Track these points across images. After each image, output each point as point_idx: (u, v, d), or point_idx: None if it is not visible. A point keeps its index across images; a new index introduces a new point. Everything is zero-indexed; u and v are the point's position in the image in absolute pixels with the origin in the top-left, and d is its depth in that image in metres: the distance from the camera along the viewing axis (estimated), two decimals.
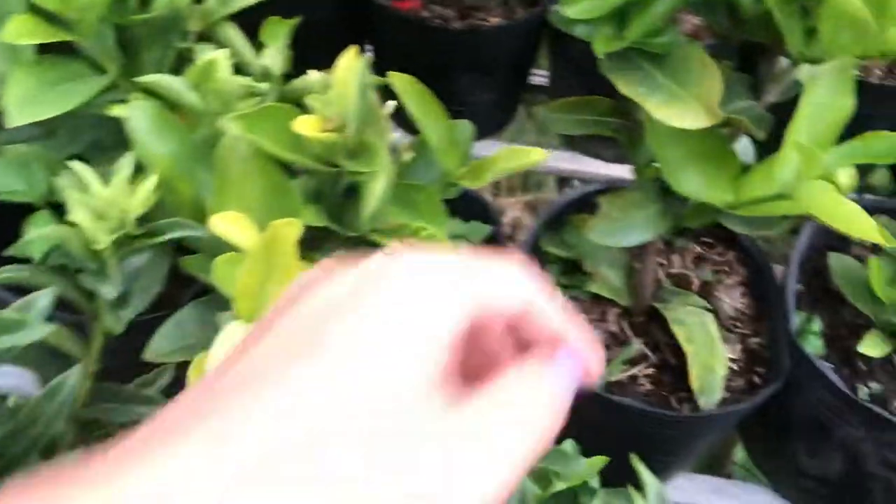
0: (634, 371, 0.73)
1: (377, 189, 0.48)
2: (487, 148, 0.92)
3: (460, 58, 0.99)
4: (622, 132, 0.66)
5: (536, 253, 0.78)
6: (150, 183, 0.48)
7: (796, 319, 0.76)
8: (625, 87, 0.53)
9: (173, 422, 0.19)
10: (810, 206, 0.53)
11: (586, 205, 0.82)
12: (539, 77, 1.19)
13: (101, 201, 0.47)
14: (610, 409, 0.68)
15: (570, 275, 0.77)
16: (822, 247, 0.83)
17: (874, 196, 1.01)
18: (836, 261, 0.78)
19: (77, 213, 0.47)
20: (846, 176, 0.55)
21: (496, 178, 0.58)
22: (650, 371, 0.73)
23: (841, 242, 0.83)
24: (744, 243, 0.82)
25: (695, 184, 0.59)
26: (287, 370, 0.20)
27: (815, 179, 0.51)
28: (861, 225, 0.48)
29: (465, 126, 0.59)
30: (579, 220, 0.77)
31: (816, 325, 0.77)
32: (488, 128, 1.10)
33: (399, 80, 0.56)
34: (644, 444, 0.75)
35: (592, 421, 0.73)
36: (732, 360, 0.74)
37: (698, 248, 0.82)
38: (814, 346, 0.75)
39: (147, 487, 0.17)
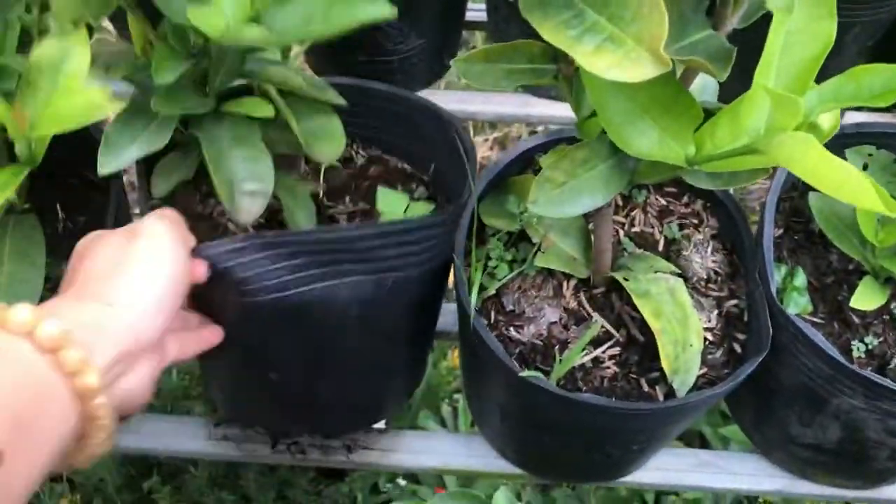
0: (598, 353, 0.63)
1: None
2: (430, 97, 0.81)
3: None
4: (561, 80, 0.55)
5: (478, 224, 0.68)
6: None
7: (777, 275, 0.66)
8: (549, 32, 0.42)
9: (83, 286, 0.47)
10: (788, 163, 0.43)
11: (531, 163, 0.71)
12: (476, 12, 1.06)
13: None
14: (570, 407, 0.59)
15: (516, 246, 0.67)
16: (802, 184, 0.73)
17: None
18: (818, 201, 0.69)
19: None
20: (829, 119, 0.45)
21: None
22: (616, 351, 0.64)
23: None
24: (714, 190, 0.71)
25: (646, 140, 0.49)
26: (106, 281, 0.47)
27: (791, 130, 0.41)
28: (854, 188, 0.38)
29: None
30: (522, 184, 0.67)
31: (800, 278, 0.67)
32: (424, 77, 0.98)
33: None
34: (615, 439, 0.66)
35: (555, 420, 0.65)
36: (708, 328, 0.65)
37: (662, 200, 0.71)
38: (798, 304, 0.65)
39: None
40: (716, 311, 0.66)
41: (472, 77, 0.53)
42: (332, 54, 0.94)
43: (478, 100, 0.97)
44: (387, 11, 0.46)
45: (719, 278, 0.68)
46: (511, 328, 0.64)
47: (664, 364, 0.59)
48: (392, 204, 0.66)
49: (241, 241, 0.55)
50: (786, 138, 0.41)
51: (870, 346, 0.65)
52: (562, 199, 0.54)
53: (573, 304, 0.66)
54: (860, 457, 0.68)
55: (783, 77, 0.43)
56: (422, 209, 0.67)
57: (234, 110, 0.55)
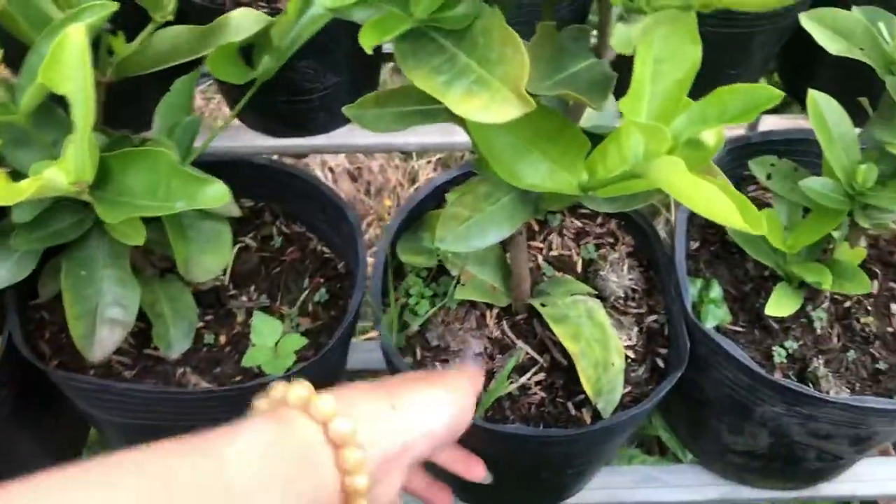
0: (524, 380, 0.64)
1: None
2: (346, 136, 0.82)
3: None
4: (455, 117, 0.56)
5: (395, 264, 0.68)
6: None
7: (692, 289, 0.67)
8: (421, 79, 0.43)
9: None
10: (664, 185, 0.43)
11: (444, 197, 0.72)
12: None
13: None
14: (497, 438, 0.59)
15: (437, 281, 0.68)
16: None
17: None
18: None
19: None
20: (713, 136, 0.46)
21: None
22: (541, 377, 0.64)
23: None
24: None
25: (538, 172, 0.50)
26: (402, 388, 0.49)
27: (665, 154, 0.42)
28: (719, 209, 0.38)
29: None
30: (433, 218, 0.67)
31: (716, 290, 0.68)
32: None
33: None
34: (548, 465, 0.66)
35: (487, 452, 0.65)
36: (629, 346, 0.65)
37: (577, 222, 0.72)
38: (716, 315, 0.66)
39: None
40: (636, 329, 0.66)
41: (365, 123, 0.54)
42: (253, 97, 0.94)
43: (402, 132, 0.98)
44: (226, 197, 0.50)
45: (637, 295, 0.68)
46: (437, 363, 0.64)
47: (586, 387, 0.60)
48: (265, 335, 0.64)
49: None
50: (658, 163, 0.42)
51: (790, 351, 0.67)
52: (468, 234, 0.54)
53: (497, 334, 0.66)
54: (791, 460, 0.69)
55: (655, 103, 0.44)
56: (294, 344, 0.64)
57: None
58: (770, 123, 0.92)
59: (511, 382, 0.63)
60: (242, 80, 0.60)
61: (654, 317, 0.67)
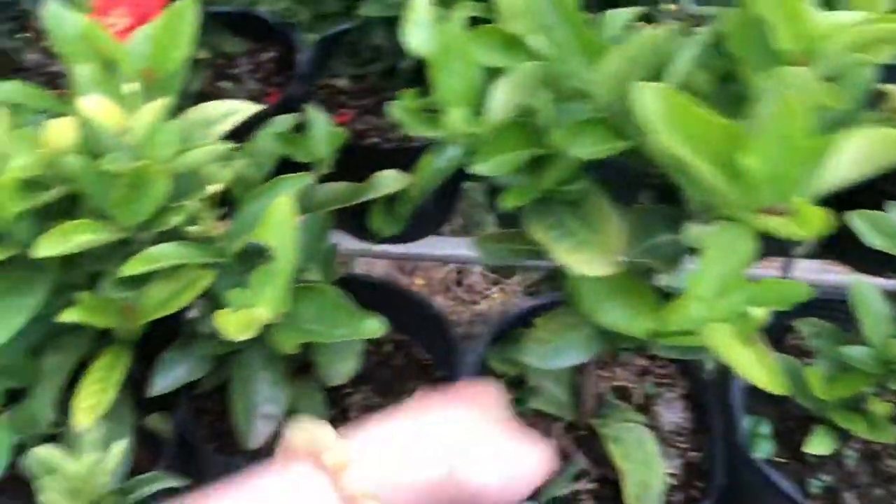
0: (577, 486, 0.75)
1: None
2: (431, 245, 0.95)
3: None
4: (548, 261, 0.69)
5: (484, 368, 0.81)
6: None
7: (745, 423, 0.77)
8: (538, 231, 0.56)
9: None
10: (714, 347, 0.55)
11: (534, 318, 0.84)
12: None
13: (73, 480, 0.53)
14: None
15: (517, 388, 0.80)
16: None
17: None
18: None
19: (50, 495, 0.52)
20: (760, 312, 0.58)
21: None
22: (592, 486, 0.75)
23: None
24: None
25: (615, 316, 0.62)
26: None
27: (718, 322, 0.54)
28: (754, 373, 0.50)
29: None
30: (520, 335, 0.80)
31: (765, 426, 0.79)
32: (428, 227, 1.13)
33: None
34: None
35: None
36: (672, 474, 0.76)
37: (642, 361, 0.84)
38: (763, 449, 0.77)
39: None
40: (679, 460, 0.77)
41: (485, 253, 0.68)
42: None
43: None
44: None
45: (686, 432, 0.79)
46: None
47: (627, 502, 0.70)
48: None
49: None
50: (711, 328, 0.54)
51: (826, 483, 0.76)
52: (550, 355, 0.66)
53: (560, 443, 0.77)
54: None
55: (715, 280, 0.56)
56: None
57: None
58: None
59: (564, 487, 0.74)
60: (390, 233, 0.74)
61: (697, 453, 0.78)
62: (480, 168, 0.53)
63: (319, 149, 0.73)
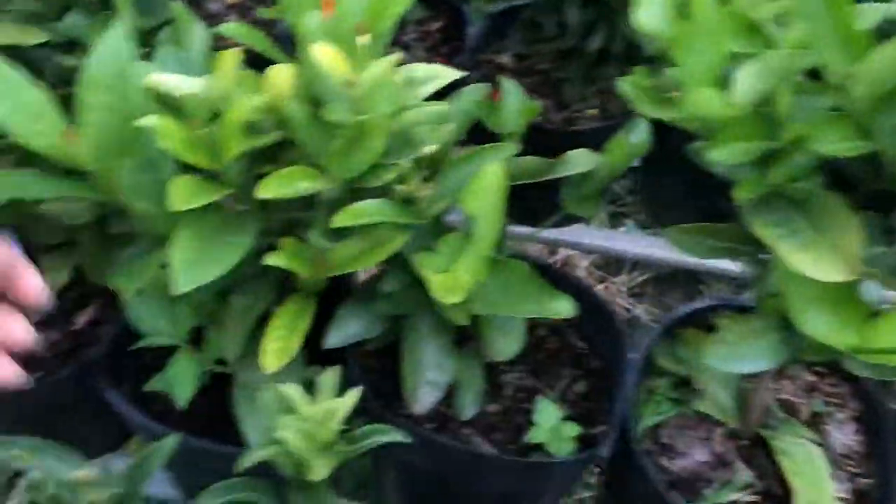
0: (738, 496, 0.72)
1: None
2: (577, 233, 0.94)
3: None
4: (749, 262, 0.67)
5: (650, 365, 0.78)
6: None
7: None
8: (760, 228, 0.54)
9: None
10: None
11: (702, 319, 0.82)
12: None
13: (309, 422, 0.55)
14: None
15: (680, 389, 0.78)
16: None
17: None
18: None
19: (287, 433, 0.54)
20: None
21: None
22: (753, 499, 0.72)
23: None
24: (860, 377, 0.80)
25: (820, 325, 0.59)
26: None
27: None
28: None
29: None
30: (691, 336, 0.78)
31: None
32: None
33: None
34: None
35: None
36: (841, 498, 0.72)
37: (810, 377, 0.81)
38: None
39: None
40: (849, 484, 0.73)
41: (682, 245, 0.65)
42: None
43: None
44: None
45: (857, 456, 0.75)
46: (663, 458, 0.74)
47: None
48: (546, 418, 0.73)
49: None
50: None
51: None
52: (731, 358, 0.64)
53: (720, 449, 0.75)
54: None
55: None
56: (572, 431, 0.72)
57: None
58: None
59: (725, 494, 0.72)
60: (584, 214, 0.74)
61: (868, 480, 0.74)
62: (717, 154, 0.51)
63: (511, 121, 0.72)
